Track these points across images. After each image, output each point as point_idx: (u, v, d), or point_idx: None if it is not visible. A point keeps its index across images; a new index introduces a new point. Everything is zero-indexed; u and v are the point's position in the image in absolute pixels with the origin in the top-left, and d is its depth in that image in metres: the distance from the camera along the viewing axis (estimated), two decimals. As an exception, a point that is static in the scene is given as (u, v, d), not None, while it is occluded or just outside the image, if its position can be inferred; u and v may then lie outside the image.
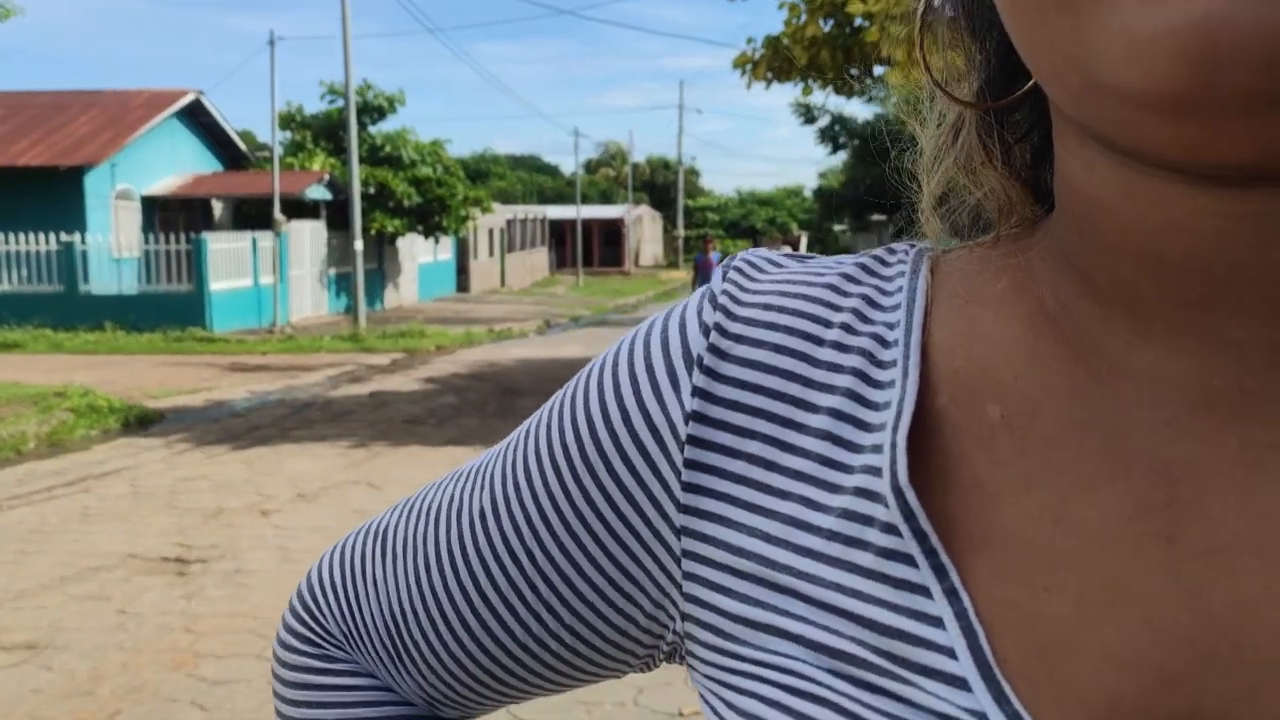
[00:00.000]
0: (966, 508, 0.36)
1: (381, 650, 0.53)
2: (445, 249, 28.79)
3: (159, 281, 18.09)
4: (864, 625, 0.37)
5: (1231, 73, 0.27)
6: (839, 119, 28.97)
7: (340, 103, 22.08)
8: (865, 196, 30.12)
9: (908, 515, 0.36)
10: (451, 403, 10.64)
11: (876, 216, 32.54)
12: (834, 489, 0.39)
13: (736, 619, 0.40)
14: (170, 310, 17.34)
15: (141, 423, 9.36)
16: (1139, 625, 0.33)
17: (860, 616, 0.37)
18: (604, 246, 45.86)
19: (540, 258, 39.84)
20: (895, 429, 0.37)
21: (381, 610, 0.52)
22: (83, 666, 3.93)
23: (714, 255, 16.85)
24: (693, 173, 59.20)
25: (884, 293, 0.43)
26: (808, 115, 28.55)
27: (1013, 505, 0.36)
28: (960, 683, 0.34)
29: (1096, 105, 0.31)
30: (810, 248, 51.71)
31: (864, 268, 0.44)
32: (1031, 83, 0.40)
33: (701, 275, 16.60)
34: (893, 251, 0.45)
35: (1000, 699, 0.34)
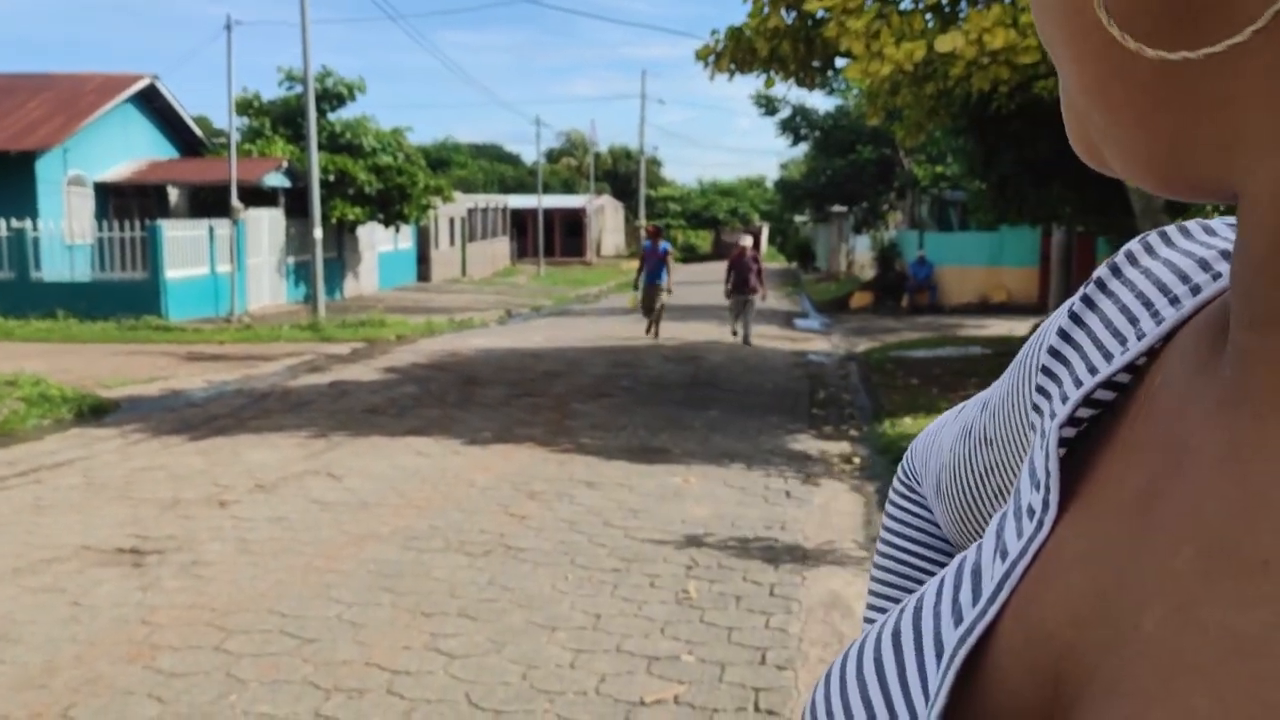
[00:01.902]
0: (1097, 456, 0.41)
1: (931, 488, 0.70)
2: (406, 238, 28.58)
3: (113, 269, 17.79)
4: (999, 518, 0.44)
5: None
6: (800, 111, 29.07)
7: (299, 89, 21.81)
8: (826, 187, 30.28)
9: (1047, 450, 0.42)
10: (412, 392, 10.57)
11: (837, 208, 32.71)
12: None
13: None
14: (125, 298, 17.08)
15: (95, 412, 9.22)
16: (1089, 577, 0.36)
17: (1005, 511, 0.45)
18: (566, 236, 45.71)
19: (502, 247, 39.65)
20: (1097, 379, 0.43)
21: (939, 457, 0.68)
22: (36, 659, 3.87)
23: (663, 245, 16.20)
24: (655, 163, 59.18)
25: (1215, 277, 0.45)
26: (769, 107, 28.62)
27: (1112, 468, 0.40)
28: (1005, 557, 0.41)
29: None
30: (771, 238, 51.98)
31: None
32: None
33: (648, 266, 16.04)
34: None
35: (992, 599, 0.39)
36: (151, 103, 20.89)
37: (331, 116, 23.15)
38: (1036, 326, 0.60)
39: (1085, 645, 0.35)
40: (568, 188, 54.10)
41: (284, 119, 23.42)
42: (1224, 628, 0.30)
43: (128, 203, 19.74)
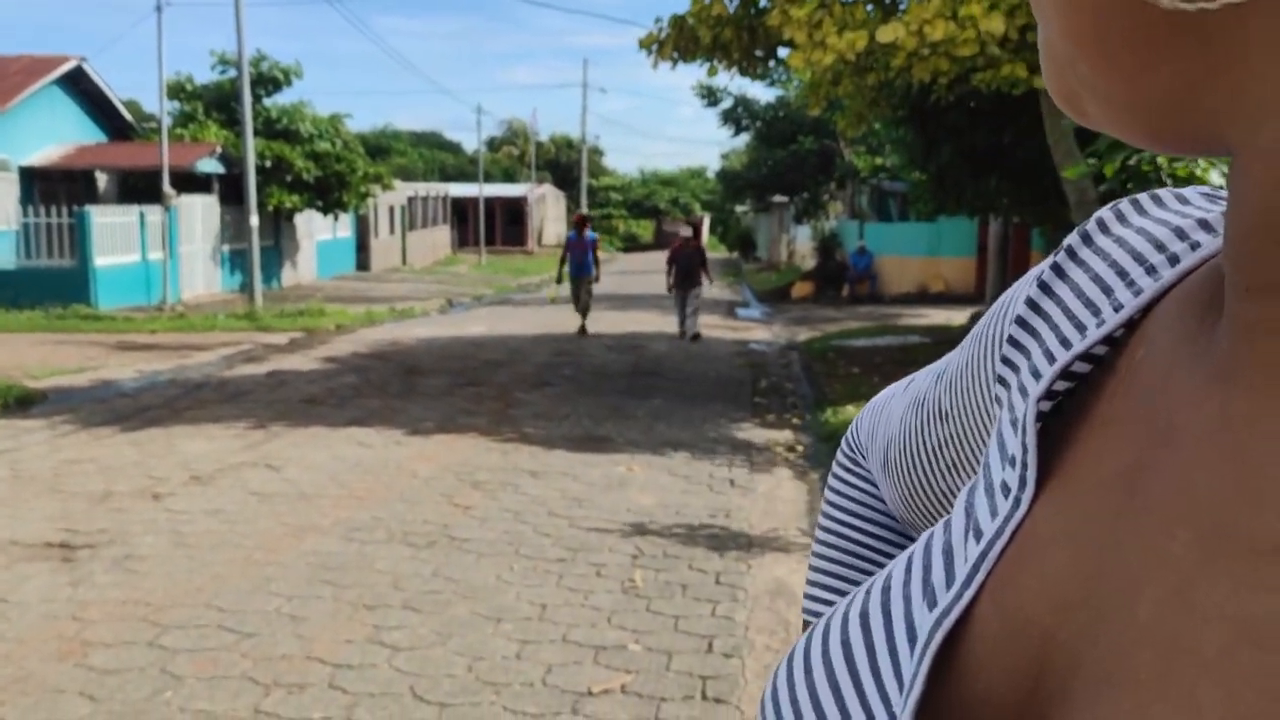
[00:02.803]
0: (1074, 437, 0.39)
1: (878, 463, 0.68)
2: (345, 226, 28.18)
3: (39, 256, 17.29)
4: (966, 500, 0.43)
5: None
6: (742, 101, 29.19)
7: (233, 73, 21.34)
8: (768, 178, 30.45)
9: (1023, 426, 0.40)
10: (352, 382, 10.43)
11: (778, 198, 32.91)
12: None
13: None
14: (52, 286, 16.61)
15: (21, 403, 8.94)
16: (1067, 561, 0.35)
17: (972, 491, 0.43)
18: (507, 225, 45.43)
19: (442, 236, 39.28)
20: (1073, 352, 0.41)
21: (886, 431, 0.66)
22: (-39, 658, 3.74)
23: (590, 235, 15.11)
24: (596, 152, 59.06)
25: (1200, 246, 0.44)
26: (711, 98, 28.70)
27: (1092, 444, 0.38)
28: (965, 559, 0.39)
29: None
30: (713, 228, 52.17)
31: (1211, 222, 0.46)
32: None
33: (574, 256, 14.81)
34: None
35: (967, 582, 0.38)
36: (79, 85, 20.30)
37: (267, 102, 22.70)
38: (975, 315, 0.58)
39: (1069, 632, 0.33)
40: (509, 177, 53.77)
41: (217, 103, 22.91)
42: (1229, 615, 0.29)
43: (54, 188, 19.17)
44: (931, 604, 0.39)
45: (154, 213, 18.10)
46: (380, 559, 4.94)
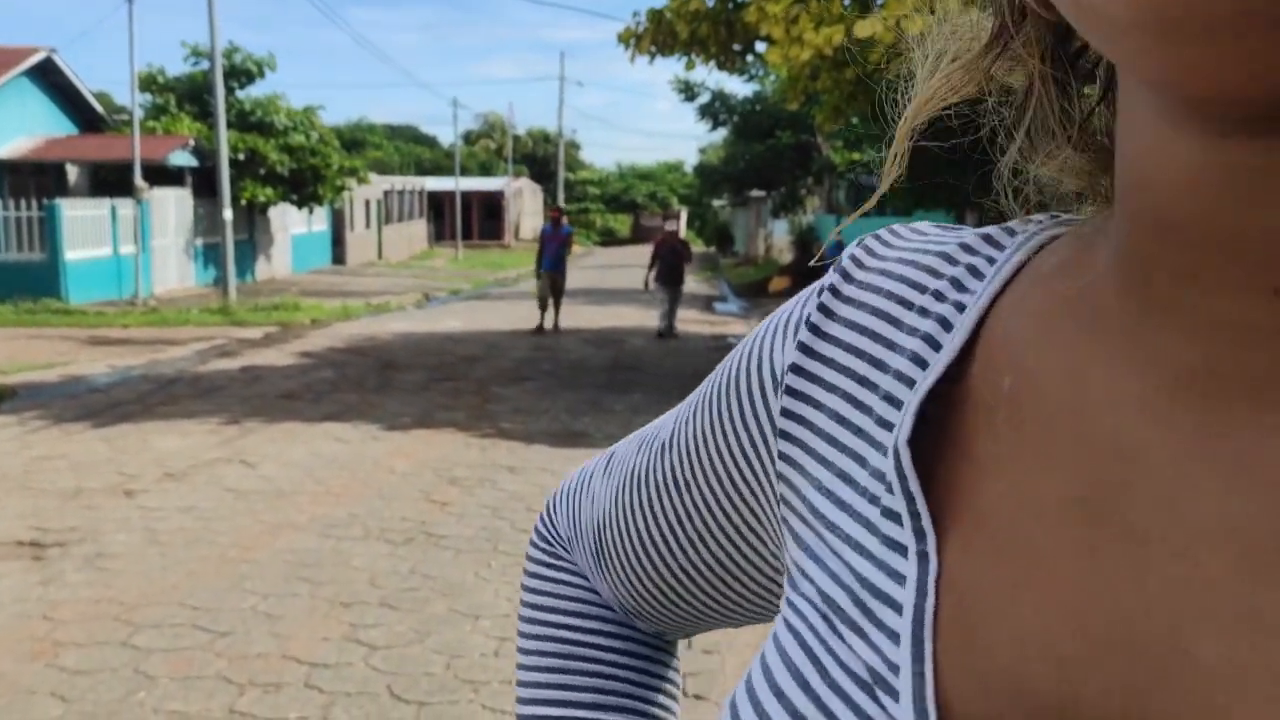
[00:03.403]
0: (956, 478, 0.37)
1: (590, 553, 0.60)
2: (320, 220, 27.96)
3: (8, 250, 17.04)
4: (853, 575, 0.38)
5: None
6: (719, 96, 29.18)
7: (205, 65, 21.12)
8: (745, 173, 30.48)
9: (900, 475, 0.37)
10: (328, 377, 10.35)
11: (755, 192, 32.95)
12: (879, 447, 0.40)
13: (794, 563, 0.43)
14: (21, 280, 16.39)
15: (-9, 400, 8.83)
16: (1052, 607, 0.33)
17: (852, 567, 0.39)
18: (484, 219, 45.27)
19: (418, 230, 39.09)
20: (918, 390, 0.39)
21: (594, 517, 0.59)
22: (-71, 660, 3.68)
23: (565, 228, 14.46)
24: (574, 146, 58.93)
25: (992, 262, 0.42)
26: (689, 92, 28.66)
27: (993, 481, 0.36)
28: (895, 636, 0.36)
29: (1096, 33, 0.28)
30: (690, 223, 52.24)
31: (987, 238, 0.44)
32: None
33: (548, 250, 14.15)
34: (1028, 223, 0.44)
35: (918, 656, 0.35)
36: (49, 77, 20.02)
37: (240, 94, 22.49)
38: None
39: (1105, 682, 0.31)
40: (485, 170, 53.58)
41: (190, 96, 22.68)
42: None
43: (24, 181, 18.91)
44: (880, 689, 0.35)
45: (126, 206, 17.90)
46: (357, 556, 4.90)
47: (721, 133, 32.58)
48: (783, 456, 0.44)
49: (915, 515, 0.37)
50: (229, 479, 6.27)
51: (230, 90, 21.44)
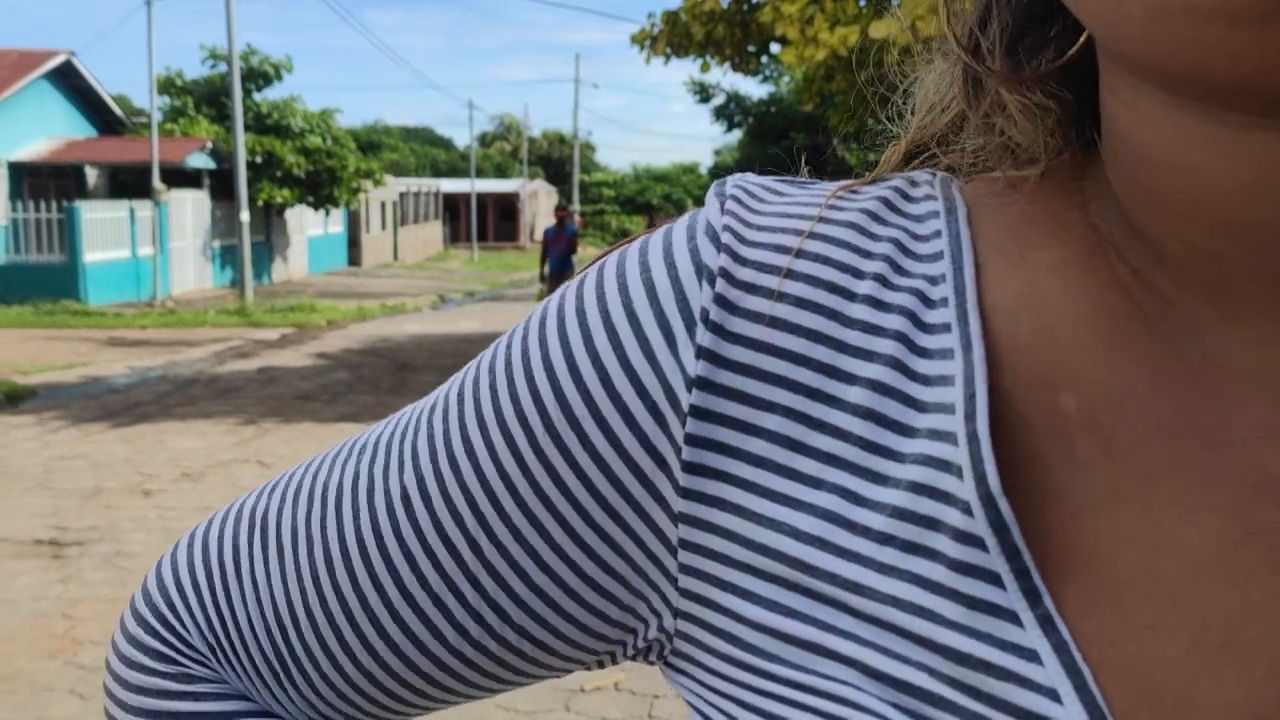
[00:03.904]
0: (1045, 522, 0.31)
1: (262, 665, 0.43)
2: (336, 222, 28.10)
3: (28, 252, 17.20)
4: (934, 650, 0.31)
5: None
6: (734, 97, 29.20)
7: (223, 68, 21.28)
8: (760, 174, 30.47)
9: (999, 528, 0.30)
10: (344, 378, 10.40)
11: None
12: (880, 480, 0.33)
13: (763, 628, 0.34)
14: (41, 282, 16.52)
15: (11, 399, 8.89)
16: (1263, 670, 0.29)
17: (928, 640, 0.31)
18: (499, 221, 45.39)
19: (434, 232, 39.22)
20: (970, 417, 0.31)
21: (264, 615, 0.43)
22: (-51, 656, 3.72)
23: (570, 227, 13.68)
24: (589, 148, 59.00)
25: (917, 237, 0.36)
26: (703, 94, 28.69)
27: (1102, 522, 0.31)
28: (1007, 676, 0.30)
29: (1162, 30, 0.26)
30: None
31: (887, 203, 0.37)
32: (1084, 36, 0.34)
33: (554, 252, 13.42)
34: (914, 183, 0.38)
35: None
36: (68, 80, 20.19)
37: (257, 97, 22.64)
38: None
39: None
40: (501, 172, 53.71)
41: (208, 98, 22.84)
42: None
43: (44, 183, 19.08)
44: None
45: (144, 208, 18.02)
46: (372, 556, 4.93)
47: (736, 134, 32.59)
48: (690, 494, 0.35)
49: (1022, 573, 0.30)
50: (245, 479, 6.31)
51: (248, 93, 21.58)
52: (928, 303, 0.34)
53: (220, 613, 0.44)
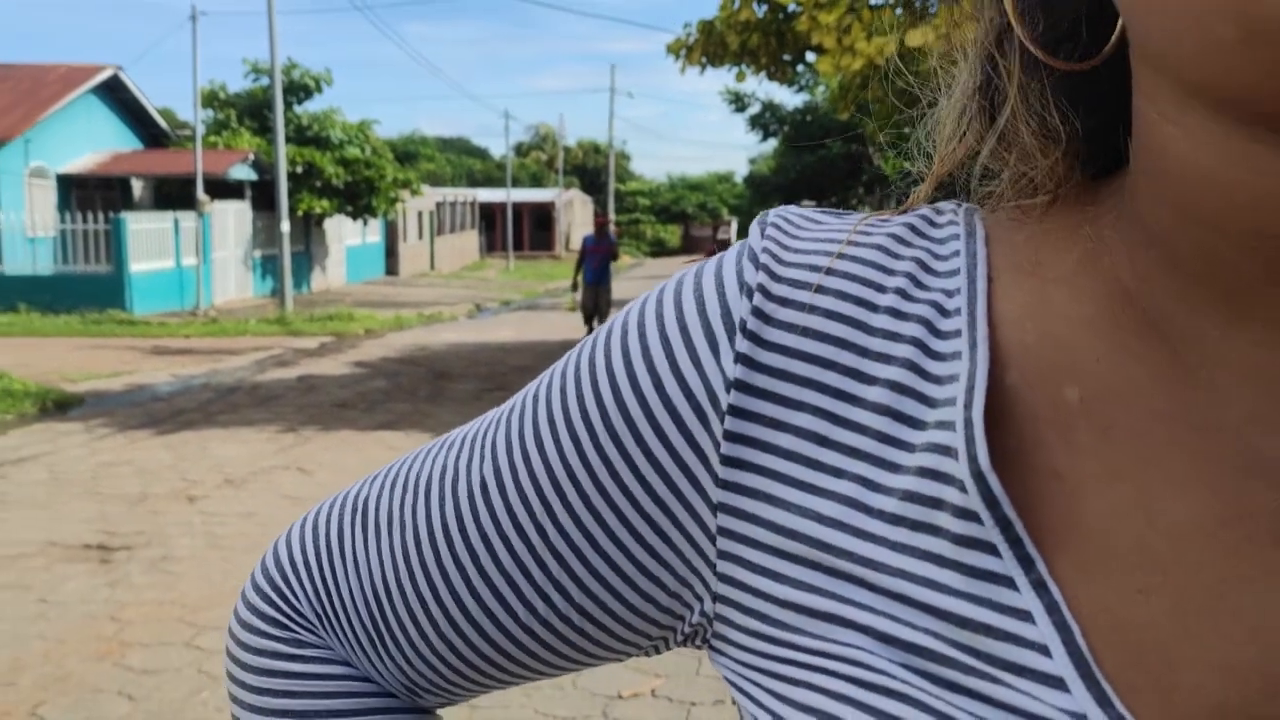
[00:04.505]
0: (1044, 498, 0.34)
1: (361, 634, 0.48)
2: (374, 231, 28.36)
3: (76, 262, 17.53)
4: (939, 617, 0.34)
5: None
6: (769, 106, 29.14)
7: (265, 81, 21.58)
8: (796, 183, 30.38)
9: (990, 502, 0.33)
10: (382, 387, 10.50)
11: (806, 203, 32.79)
12: (894, 468, 0.36)
13: (788, 605, 0.37)
14: (88, 292, 16.82)
15: (59, 407, 9.07)
16: (1244, 633, 0.31)
17: (934, 607, 0.34)
18: (535, 230, 45.58)
19: (470, 241, 39.46)
20: (969, 405, 0.34)
21: (363, 589, 0.48)
22: (3, 656, 3.81)
23: (610, 238, 13.77)
24: (624, 157, 59.09)
25: (938, 257, 0.39)
26: (738, 103, 28.66)
27: (1097, 498, 0.33)
28: (1056, 682, 0.32)
29: (1260, 57, 0.26)
30: (740, 233, 52.06)
31: (913, 229, 0.41)
32: (1117, 35, 0.35)
33: (591, 262, 13.39)
34: (940, 212, 0.42)
35: (1103, 701, 0.31)
36: (115, 94, 20.57)
37: (298, 109, 22.92)
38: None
39: None
40: (536, 181, 53.93)
41: (250, 111, 23.17)
42: None
43: (91, 195, 19.45)
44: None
45: (188, 219, 18.30)
46: (411, 562, 4.98)
47: (772, 143, 32.53)
48: (727, 485, 0.38)
49: (1016, 542, 0.33)
50: (286, 486, 6.40)
51: (289, 105, 21.87)
52: (943, 312, 0.38)
53: (326, 586, 0.49)
